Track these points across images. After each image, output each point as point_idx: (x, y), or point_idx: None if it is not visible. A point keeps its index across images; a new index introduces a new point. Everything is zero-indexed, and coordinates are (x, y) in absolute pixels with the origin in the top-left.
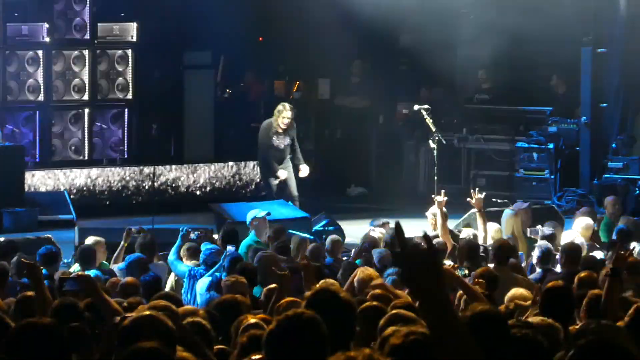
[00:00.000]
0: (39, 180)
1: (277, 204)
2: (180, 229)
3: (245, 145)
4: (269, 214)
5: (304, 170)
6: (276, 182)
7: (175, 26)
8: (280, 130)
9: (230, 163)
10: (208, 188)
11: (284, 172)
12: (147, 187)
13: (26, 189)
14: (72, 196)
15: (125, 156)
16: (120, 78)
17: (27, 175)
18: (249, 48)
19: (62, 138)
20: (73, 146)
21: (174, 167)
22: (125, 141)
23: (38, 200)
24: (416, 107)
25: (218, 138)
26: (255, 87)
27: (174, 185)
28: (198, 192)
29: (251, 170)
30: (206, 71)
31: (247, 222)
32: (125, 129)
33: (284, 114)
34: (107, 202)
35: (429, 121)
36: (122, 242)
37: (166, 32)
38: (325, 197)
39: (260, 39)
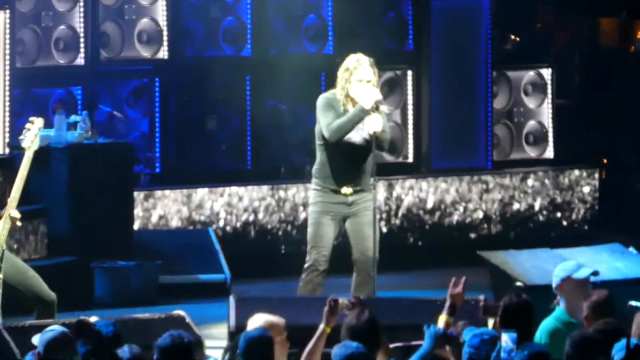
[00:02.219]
0: (161, 208)
1: (608, 252)
2: (425, 328)
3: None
4: (596, 272)
5: (374, 122)
6: (323, 216)
7: None
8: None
9: (512, 174)
10: (473, 217)
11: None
12: None
13: (137, 224)
14: (221, 239)
15: None
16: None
17: (139, 198)
18: None
19: (201, 129)
20: (224, 144)
21: (405, 180)
22: None
23: (159, 246)
24: None
25: (491, 126)
26: (560, 30)
27: (407, 212)
28: (454, 228)
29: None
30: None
31: (554, 286)
32: None
33: (360, 73)
34: (284, 249)
35: None
36: (321, 326)
37: None
38: None
39: None
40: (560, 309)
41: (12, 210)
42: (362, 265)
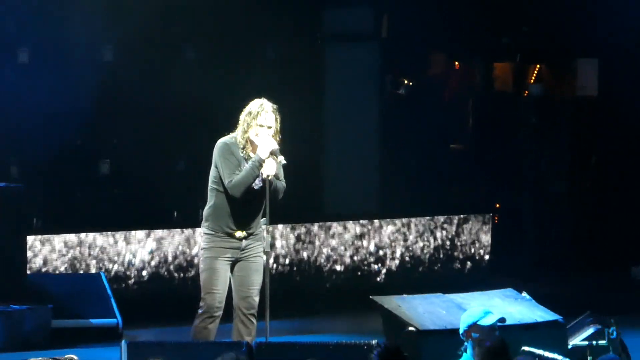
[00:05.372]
0: (53, 252)
1: (500, 297)
2: None
3: (441, 180)
4: (502, 319)
5: (268, 167)
6: (217, 260)
7: None
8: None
9: (408, 220)
10: (366, 262)
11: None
12: None
13: (29, 268)
14: (113, 284)
15: None
16: None
17: (32, 242)
18: (442, 4)
19: (94, 176)
20: (116, 189)
21: (303, 227)
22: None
23: (51, 290)
24: None
25: (386, 172)
26: (454, 75)
27: (304, 257)
28: (346, 275)
29: (460, 230)
30: (365, 45)
31: (461, 331)
32: None
33: (262, 118)
34: (177, 293)
35: None
36: None
37: None
38: (591, 280)
39: None
40: (467, 355)
41: None
42: (244, 312)
